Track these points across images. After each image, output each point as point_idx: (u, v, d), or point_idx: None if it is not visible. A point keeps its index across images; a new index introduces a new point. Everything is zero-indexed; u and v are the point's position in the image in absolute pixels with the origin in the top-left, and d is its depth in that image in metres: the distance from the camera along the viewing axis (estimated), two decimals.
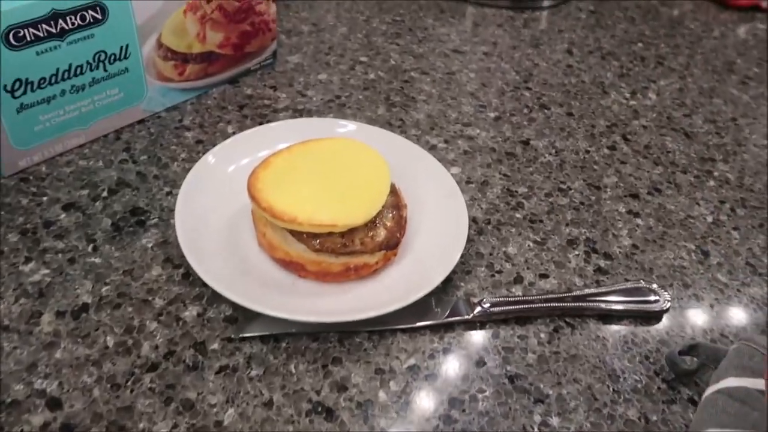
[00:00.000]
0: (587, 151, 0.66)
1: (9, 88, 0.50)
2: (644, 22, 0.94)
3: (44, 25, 0.49)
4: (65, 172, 0.56)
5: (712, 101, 0.76)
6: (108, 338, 0.43)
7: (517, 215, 0.57)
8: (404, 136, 0.63)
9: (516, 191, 0.59)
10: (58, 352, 0.42)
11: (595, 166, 0.64)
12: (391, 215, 0.48)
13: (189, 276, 0.48)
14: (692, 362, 0.44)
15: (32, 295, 0.46)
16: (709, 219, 0.59)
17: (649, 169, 0.64)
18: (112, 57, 0.55)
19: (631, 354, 0.46)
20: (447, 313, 0.47)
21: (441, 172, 0.55)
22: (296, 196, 0.45)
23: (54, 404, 0.39)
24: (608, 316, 0.48)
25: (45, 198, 0.53)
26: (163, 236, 0.51)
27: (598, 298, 0.49)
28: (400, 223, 0.48)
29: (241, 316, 0.46)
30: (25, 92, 0.51)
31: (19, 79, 0.50)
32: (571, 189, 0.60)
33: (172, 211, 0.49)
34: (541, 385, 0.43)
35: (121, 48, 0.56)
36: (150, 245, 0.50)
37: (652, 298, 0.49)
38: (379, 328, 0.46)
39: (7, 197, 0.53)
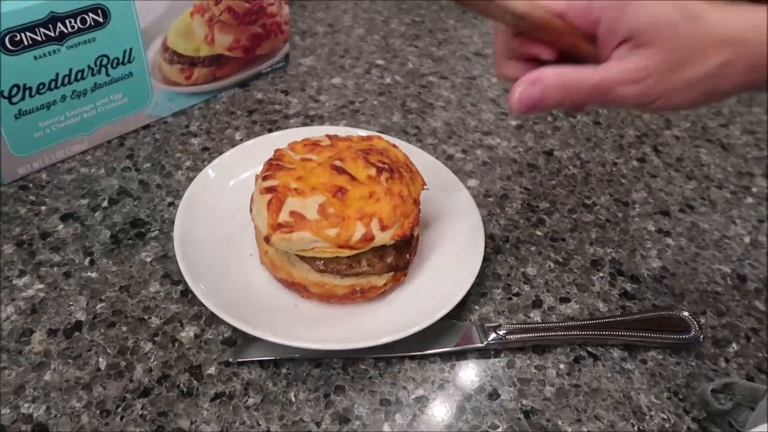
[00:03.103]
0: (615, 164, 0.62)
1: (6, 93, 0.48)
2: None
3: (42, 29, 0.47)
4: (66, 180, 0.54)
5: (751, 110, 0.71)
6: (100, 359, 0.41)
7: (538, 233, 0.53)
8: (420, 145, 0.60)
9: (537, 206, 0.56)
10: (48, 373, 0.40)
11: (623, 180, 0.60)
12: None
13: (187, 293, 0.46)
14: (726, 402, 0.40)
15: (24, 312, 0.44)
16: (747, 239, 0.54)
17: (681, 184, 0.60)
18: (115, 61, 0.53)
19: (659, 389, 0.43)
20: (459, 340, 0.44)
21: (456, 185, 0.52)
22: None
23: (40, 431, 0.37)
24: (634, 347, 0.45)
25: (44, 207, 0.51)
26: (163, 250, 0.49)
27: (623, 326, 0.45)
28: (411, 243, 0.45)
29: (241, 338, 0.43)
30: (23, 98, 0.49)
31: (16, 85, 0.48)
32: (596, 205, 0.57)
33: (173, 223, 0.47)
34: (560, 422, 0.40)
35: (125, 52, 0.53)
36: (149, 259, 0.48)
37: (683, 327, 0.45)
38: (385, 355, 0.43)
39: (5, 206, 0.51)
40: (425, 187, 0.45)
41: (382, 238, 0.41)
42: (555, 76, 0.37)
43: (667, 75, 0.35)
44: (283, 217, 0.40)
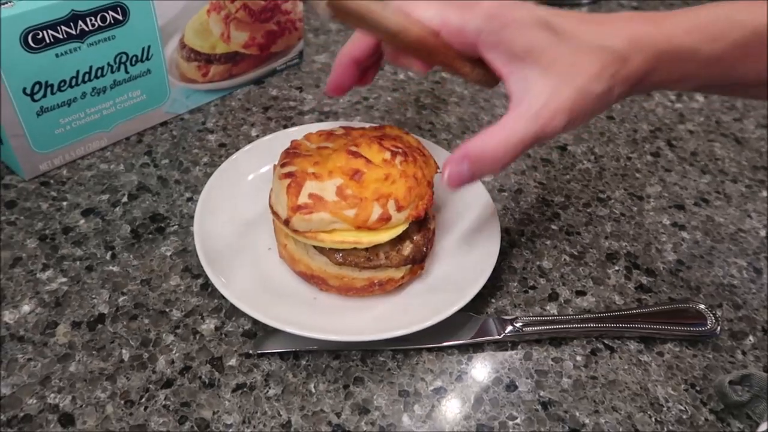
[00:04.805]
0: (629, 158, 0.62)
1: (28, 91, 0.48)
2: None
3: (63, 27, 0.48)
4: (86, 176, 0.55)
5: (765, 104, 0.71)
6: (123, 351, 0.42)
7: (553, 227, 0.54)
8: (434, 140, 0.61)
9: (552, 200, 0.56)
10: (73, 365, 0.41)
11: (638, 174, 0.60)
12: (417, 227, 0.45)
13: (207, 287, 0.46)
14: (744, 393, 0.40)
15: (48, 305, 0.44)
16: (762, 233, 0.54)
17: (695, 178, 0.60)
18: (134, 58, 0.54)
19: (676, 381, 0.43)
20: (476, 332, 0.44)
21: None
22: None
23: (66, 420, 0.38)
24: (651, 339, 0.45)
25: (65, 203, 0.52)
26: (182, 244, 0.49)
27: (639, 319, 0.45)
28: (427, 236, 0.46)
29: (260, 330, 0.44)
30: (44, 95, 0.50)
31: (38, 82, 0.49)
32: (611, 199, 0.57)
33: (192, 217, 0.48)
34: (577, 413, 0.40)
35: (143, 49, 0.54)
36: (169, 254, 0.49)
37: (700, 319, 0.45)
38: (403, 347, 0.43)
39: (27, 201, 0.52)
40: (438, 170, 0.46)
41: (398, 218, 0.42)
42: (479, 150, 0.37)
43: (574, 92, 0.36)
44: (303, 199, 0.41)
